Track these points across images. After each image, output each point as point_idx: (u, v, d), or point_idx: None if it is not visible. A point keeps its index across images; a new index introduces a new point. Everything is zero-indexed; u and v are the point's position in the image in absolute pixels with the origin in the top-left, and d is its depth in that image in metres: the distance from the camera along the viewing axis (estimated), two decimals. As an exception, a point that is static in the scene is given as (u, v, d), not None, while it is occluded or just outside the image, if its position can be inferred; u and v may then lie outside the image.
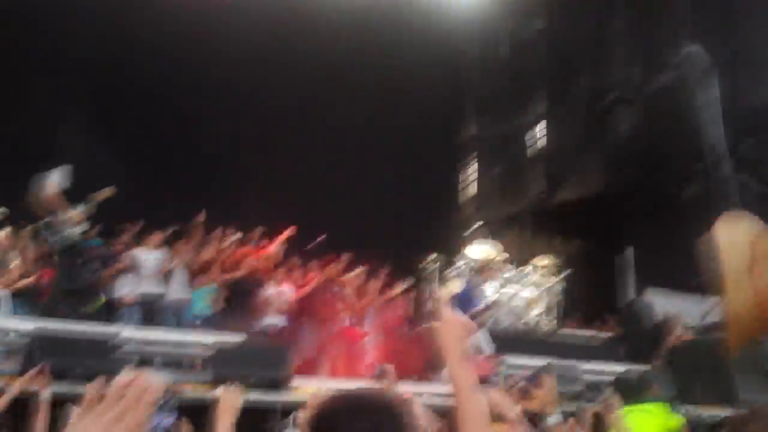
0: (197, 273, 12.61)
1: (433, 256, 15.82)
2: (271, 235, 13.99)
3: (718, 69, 15.80)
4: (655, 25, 19.55)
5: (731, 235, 2.67)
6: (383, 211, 20.25)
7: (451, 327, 2.62)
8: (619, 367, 11.73)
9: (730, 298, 2.65)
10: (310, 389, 9.23)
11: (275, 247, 13.52)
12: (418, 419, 2.32)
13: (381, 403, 2.23)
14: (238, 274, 12.66)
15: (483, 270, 14.30)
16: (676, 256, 14.83)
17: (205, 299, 12.44)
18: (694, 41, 15.84)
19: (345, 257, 14.02)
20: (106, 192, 11.60)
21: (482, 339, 12.33)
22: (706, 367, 8.23)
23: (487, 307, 12.84)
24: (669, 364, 14.11)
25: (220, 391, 3.55)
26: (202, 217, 13.02)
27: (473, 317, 12.75)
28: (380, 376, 8.74)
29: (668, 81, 16.14)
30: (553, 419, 3.98)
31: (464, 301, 12.70)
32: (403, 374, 10.16)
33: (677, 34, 17.92)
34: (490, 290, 14.79)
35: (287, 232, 13.61)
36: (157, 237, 12.47)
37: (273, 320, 12.69)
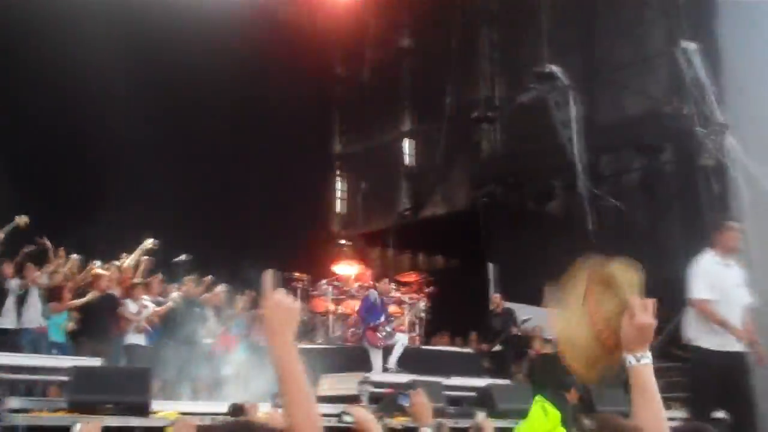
0: (52, 299, 11.99)
1: (299, 274, 15.62)
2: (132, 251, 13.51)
3: (577, 88, 16.20)
4: (517, 45, 19.97)
5: (557, 288, 2.76)
6: (249, 228, 19.98)
7: (278, 310, 2.46)
8: (481, 382, 11.76)
9: (566, 332, 2.74)
10: (171, 414, 8.87)
11: (132, 261, 13.01)
12: None
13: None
14: (92, 295, 12.09)
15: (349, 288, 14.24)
16: (536, 270, 15.16)
17: (60, 325, 11.84)
18: (554, 61, 16.21)
19: (209, 275, 13.71)
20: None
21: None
22: (564, 380, 8.29)
23: (389, 320, 12.80)
24: (529, 378, 14.32)
25: (78, 428, 3.35)
26: (46, 240, 12.36)
27: (377, 329, 12.71)
28: (234, 413, 8.45)
29: (529, 99, 16.46)
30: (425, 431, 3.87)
31: (370, 311, 12.71)
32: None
33: (538, 54, 18.34)
34: (355, 308, 14.72)
35: (146, 246, 13.11)
36: (8, 265, 11.78)
37: (135, 339, 12.21)
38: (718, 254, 7.97)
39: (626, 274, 2.60)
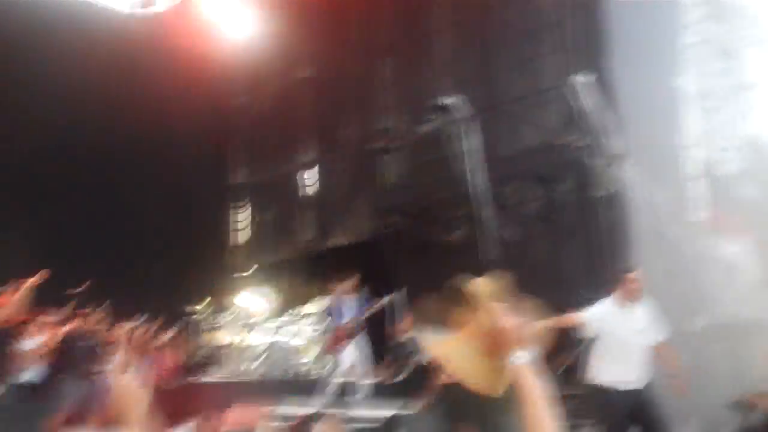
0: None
1: (203, 303, 15.41)
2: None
3: (475, 120, 16.46)
4: (415, 76, 20.20)
5: (432, 340, 3.01)
6: (151, 257, 19.65)
7: (127, 392, 2.58)
8: (387, 412, 11.79)
9: (453, 363, 2.89)
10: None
11: (21, 294, 12.60)
12: None
13: None
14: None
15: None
16: (442, 296, 15.24)
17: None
18: (453, 93, 16.44)
19: (106, 306, 13.42)
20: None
21: (354, 352, 12.42)
22: (471, 408, 8.38)
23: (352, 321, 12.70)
24: (435, 406, 14.37)
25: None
26: None
27: (342, 331, 12.59)
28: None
29: (428, 130, 16.65)
30: None
31: (335, 315, 12.57)
32: (172, 424, 9.71)
33: (436, 85, 18.59)
34: (259, 339, 14.58)
35: (36, 278, 12.72)
36: None
37: (30, 375, 11.83)
38: (617, 302, 8.22)
39: (482, 286, 2.82)
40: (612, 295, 8.63)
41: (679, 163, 14.94)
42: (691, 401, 13.24)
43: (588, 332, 8.67)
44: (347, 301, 12.86)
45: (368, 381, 12.81)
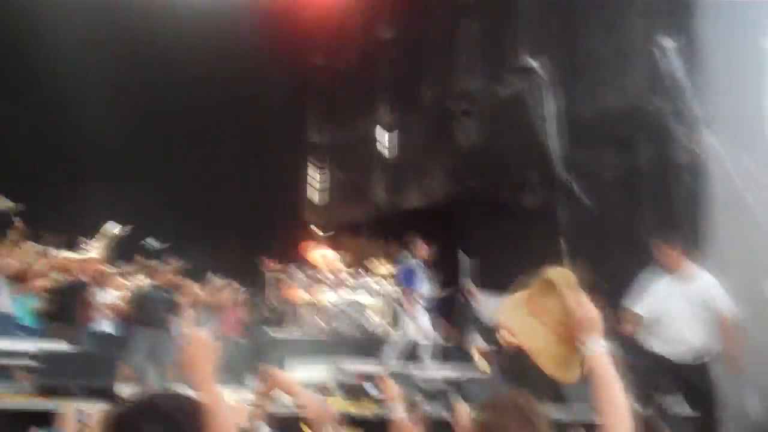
0: (19, 282, 11.86)
1: (272, 261, 15.56)
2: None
3: (555, 83, 16.18)
4: (497, 38, 19.92)
5: (506, 311, 2.97)
6: (225, 215, 19.92)
7: (198, 347, 2.60)
8: (454, 373, 11.78)
9: (532, 345, 2.89)
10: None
11: (100, 248, 12.90)
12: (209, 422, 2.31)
13: (173, 407, 2.22)
14: (61, 279, 11.97)
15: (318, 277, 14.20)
16: (511, 262, 15.14)
17: (28, 309, 11.72)
18: (533, 56, 16.18)
19: (181, 261, 13.64)
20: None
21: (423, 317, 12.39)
22: (534, 371, 8.29)
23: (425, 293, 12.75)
24: (501, 369, 14.33)
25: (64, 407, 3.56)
26: (18, 222, 12.25)
27: (414, 298, 12.67)
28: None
29: (509, 93, 16.43)
30: (398, 414, 3.95)
31: (407, 278, 12.56)
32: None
33: (517, 48, 18.30)
34: (330, 296, 14.70)
35: (112, 232, 13.01)
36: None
37: (103, 326, 12.12)
38: (667, 275, 8.01)
39: (561, 276, 2.80)
40: (659, 269, 8.40)
41: (763, 130, 14.46)
42: (760, 369, 12.97)
43: (648, 316, 8.47)
44: (420, 269, 12.78)
45: (434, 343, 12.78)
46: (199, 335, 2.63)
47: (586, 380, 2.71)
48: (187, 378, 2.56)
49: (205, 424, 2.27)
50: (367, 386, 9.22)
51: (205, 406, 2.45)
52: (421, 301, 12.58)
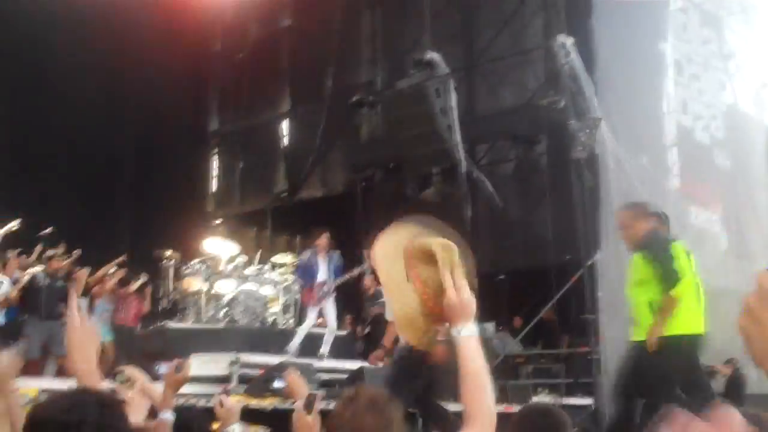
0: None
1: (170, 252, 15.29)
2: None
3: (456, 77, 16.36)
4: (398, 31, 20.05)
5: (384, 248, 2.88)
6: (124, 204, 19.54)
7: (79, 334, 2.59)
8: (353, 365, 11.81)
9: (395, 305, 2.87)
10: (32, 391, 8.55)
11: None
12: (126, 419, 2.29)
13: (90, 403, 2.16)
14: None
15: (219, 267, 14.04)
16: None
17: None
18: (434, 49, 16.31)
19: (76, 251, 13.33)
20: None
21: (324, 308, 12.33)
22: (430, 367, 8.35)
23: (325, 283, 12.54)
24: (397, 361, 14.44)
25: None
26: None
27: (314, 289, 12.47)
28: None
29: (410, 86, 16.52)
30: (299, 404, 3.93)
31: (305, 272, 12.48)
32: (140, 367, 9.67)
33: (419, 41, 18.45)
34: (228, 287, 14.52)
35: (10, 228, 12.62)
36: None
37: (-7, 316, 11.76)
38: None
39: (445, 250, 2.69)
40: None
41: (657, 129, 14.93)
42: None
43: None
44: (319, 260, 12.68)
45: (334, 335, 12.74)
46: (80, 322, 2.61)
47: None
48: (69, 364, 2.57)
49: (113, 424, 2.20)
50: (275, 381, 9.17)
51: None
52: (322, 293, 12.51)
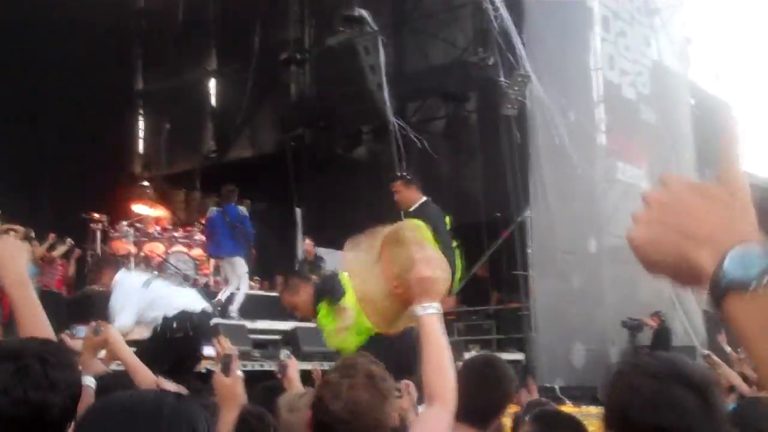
0: None
1: (98, 215, 14.99)
2: None
3: (385, 35, 16.26)
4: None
5: (356, 241, 2.93)
6: (44, 166, 19.07)
7: (8, 247, 2.59)
8: (286, 325, 11.77)
9: (362, 289, 2.91)
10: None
11: None
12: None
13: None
14: None
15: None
16: (344, 215, 15.27)
17: None
18: (363, 5, 16.17)
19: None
20: None
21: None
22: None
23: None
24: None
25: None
26: None
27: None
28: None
29: (339, 43, 16.37)
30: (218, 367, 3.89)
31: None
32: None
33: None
34: (158, 250, 14.35)
35: None
36: None
37: None
38: None
39: (414, 232, 2.78)
40: None
41: (584, 85, 15.07)
42: (582, 320, 13.69)
43: None
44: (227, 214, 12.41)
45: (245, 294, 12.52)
46: (8, 237, 2.69)
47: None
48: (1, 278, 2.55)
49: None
50: (205, 349, 9.04)
51: (20, 304, 2.51)
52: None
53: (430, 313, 2.60)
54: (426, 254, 2.66)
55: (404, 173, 8.99)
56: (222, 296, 12.06)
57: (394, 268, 2.71)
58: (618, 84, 15.75)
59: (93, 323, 4.03)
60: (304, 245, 14.68)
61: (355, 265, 2.92)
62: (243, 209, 12.52)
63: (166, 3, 22.38)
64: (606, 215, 14.46)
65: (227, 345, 4.13)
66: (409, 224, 2.81)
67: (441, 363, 2.61)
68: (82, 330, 7.51)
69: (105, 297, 12.95)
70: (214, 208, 12.68)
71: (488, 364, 3.81)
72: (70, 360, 2.12)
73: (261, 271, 15.61)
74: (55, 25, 18.64)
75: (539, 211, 13.37)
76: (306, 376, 5.13)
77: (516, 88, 13.11)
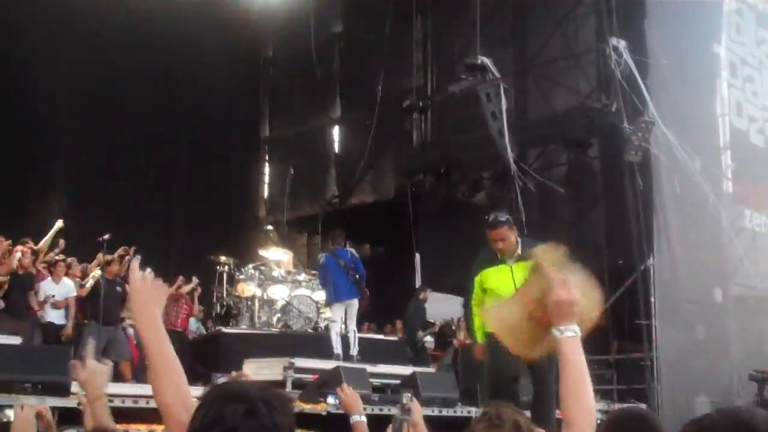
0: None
1: (224, 257, 15.41)
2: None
3: (507, 81, 16.31)
4: (449, 36, 20.03)
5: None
6: (175, 209, 19.73)
7: (144, 290, 2.66)
8: (405, 370, 11.78)
9: (500, 317, 2.95)
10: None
11: (47, 240, 12.68)
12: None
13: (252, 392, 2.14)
14: (3, 270, 11.67)
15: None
16: (463, 261, 15.23)
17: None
18: (485, 53, 16.28)
19: (131, 257, 13.46)
20: None
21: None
22: (485, 367, 8.29)
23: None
24: (453, 367, 14.42)
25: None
26: None
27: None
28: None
29: (461, 90, 16.50)
30: (356, 418, 3.91)
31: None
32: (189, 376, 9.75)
33: (470, 45, 18.39)
34: (281, 293, 14.62)
35: (58, 226, 12.80)
36: None
37: (53, 317, 11.95)
38: None
39: (548, 254, 2.77)
40: None
41: (710, 131, 14.73)
42: (707, 371, 13.24)
43: None
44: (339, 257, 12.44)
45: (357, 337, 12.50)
46: (146, 277, 2.68)
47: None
48: (135, 323, 2.66)
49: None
50: (329, 398, 9.17)
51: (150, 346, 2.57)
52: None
53: (568, 336, 2.57)
54: (563, 276, 2.63)
55: (504, 216, 7.65)
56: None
57: (533, 292, 2.72)
58: (745, 131, 15.34)
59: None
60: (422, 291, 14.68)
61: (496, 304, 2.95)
62: (353, 251, 12.63)
63: (292, 52, 23.05)
64: (732, 264, 14.03)
65: (349, 391, 4.16)
66: (543, 248, 2.80)
67: (579, 387, 2.56)
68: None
69: (234, 338, 13.32)
70: (324, 254, 12.74)
71: (639, 419, 3.54)
72: (291, 407, 2.18)
73: (378, 315, 15.76)
74: (189, 75, 19.43)
75: (663, 259, 13.06)
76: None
77: (640, 134, 12.93)
